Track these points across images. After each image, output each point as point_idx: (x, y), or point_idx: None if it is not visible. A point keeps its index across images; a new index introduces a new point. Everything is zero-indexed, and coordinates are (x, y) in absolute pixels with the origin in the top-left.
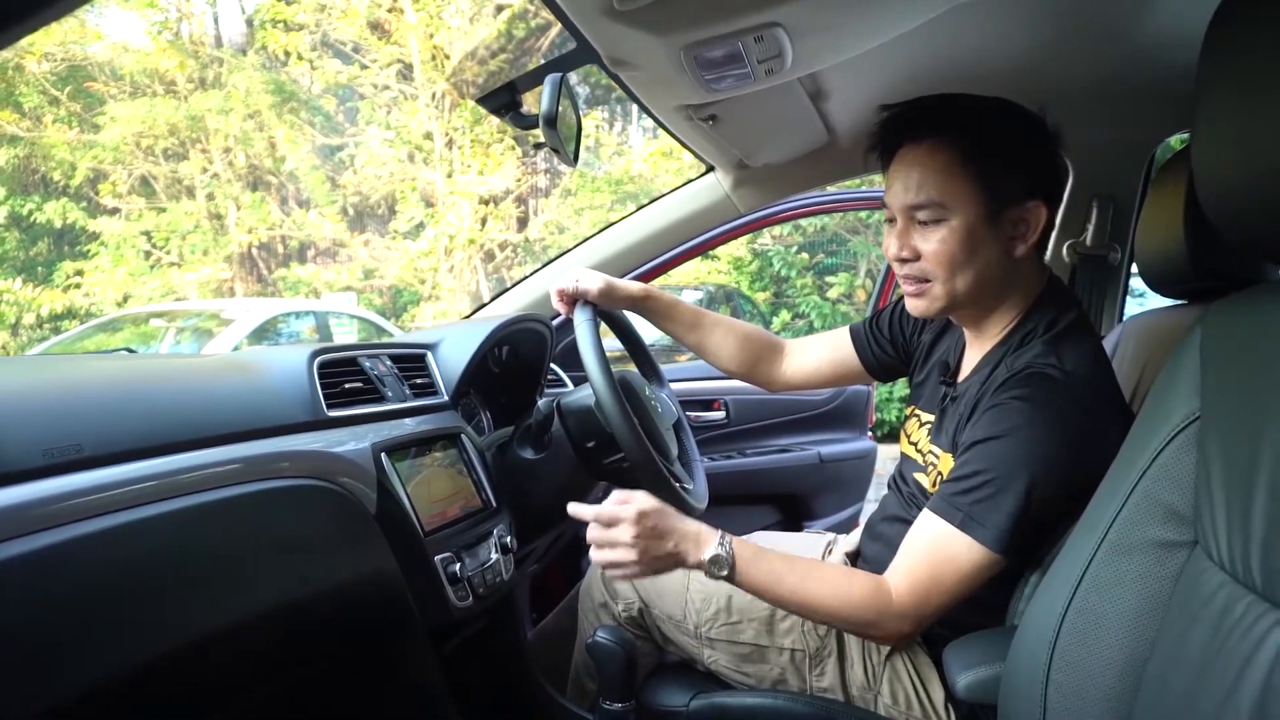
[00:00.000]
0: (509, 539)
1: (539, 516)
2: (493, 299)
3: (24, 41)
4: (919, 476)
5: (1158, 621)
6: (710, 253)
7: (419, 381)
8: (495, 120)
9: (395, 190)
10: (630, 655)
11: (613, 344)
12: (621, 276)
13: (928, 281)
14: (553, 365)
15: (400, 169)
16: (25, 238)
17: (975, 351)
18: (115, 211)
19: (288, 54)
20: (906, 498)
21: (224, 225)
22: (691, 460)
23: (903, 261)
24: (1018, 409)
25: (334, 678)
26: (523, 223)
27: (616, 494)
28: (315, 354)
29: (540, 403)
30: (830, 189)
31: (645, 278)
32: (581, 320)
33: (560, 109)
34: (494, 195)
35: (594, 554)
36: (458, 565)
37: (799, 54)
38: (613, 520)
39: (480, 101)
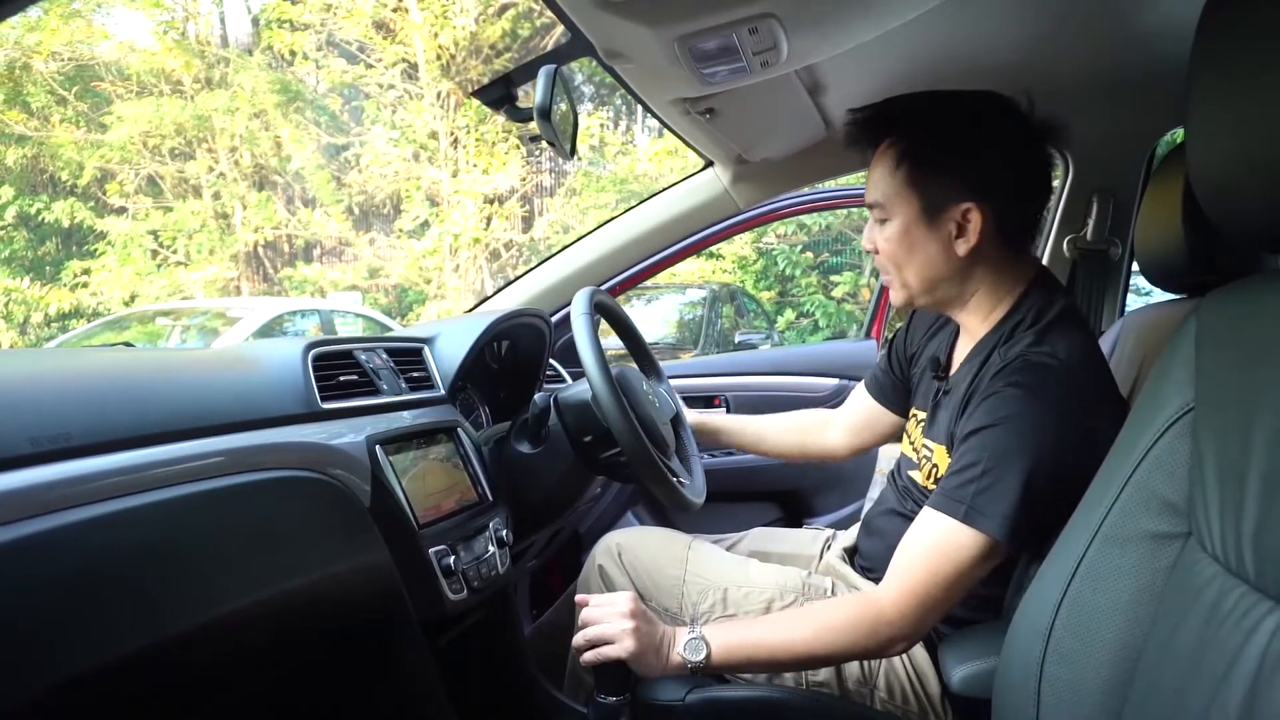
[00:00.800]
0: (505, 533)
1: (536, 511)
2: (494, 294)
3: (31, 41)
4: (913, 473)
5: (1151, 613)
6: (715, 251)
7: (415, 375)
8: (500, 119)
9: (400, 189)
10: None
11: (613, 344)
12: (621, 272)
13: (889, 274)
14: (552, 362)
15: (405, 168)
16: (33, 237)
17: (965, 344)
18: (122, 211)
19: (293, 53)
20: (901, 491)
21: (230, 224)
22: (690, 455)
23: (874, 254)
24: (1013, 396)
25: (327, 670)
26: (528, 222)
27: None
28: (309, 346)
29: (537, 397)
30: (830, 185)
31: (645, 274)
32: (579, 315)
33: (555, 101)
34: (499, 194)
35: (585, 627)
36: (452, 558)
37: (794, 46)
38: (610, 602)
39: (476, 94)
